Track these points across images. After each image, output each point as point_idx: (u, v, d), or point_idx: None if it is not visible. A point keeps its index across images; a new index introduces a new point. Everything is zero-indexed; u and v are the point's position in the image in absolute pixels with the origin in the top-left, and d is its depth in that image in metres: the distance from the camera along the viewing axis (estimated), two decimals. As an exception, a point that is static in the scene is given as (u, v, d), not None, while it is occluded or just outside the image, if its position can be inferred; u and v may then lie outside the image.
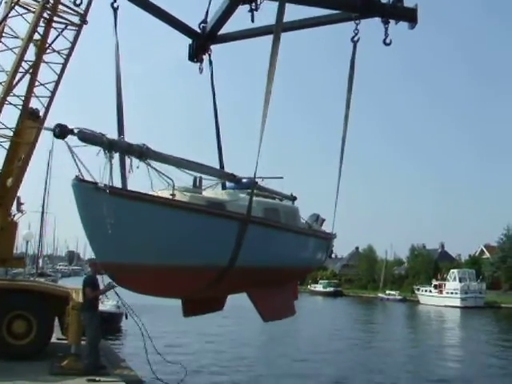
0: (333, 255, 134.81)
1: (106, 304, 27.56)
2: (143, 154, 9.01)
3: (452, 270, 79.56)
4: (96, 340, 12.57)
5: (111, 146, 8.46)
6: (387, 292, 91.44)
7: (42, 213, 70.89)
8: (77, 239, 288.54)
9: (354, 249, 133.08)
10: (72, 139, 8.11)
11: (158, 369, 20.29)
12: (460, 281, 74.63)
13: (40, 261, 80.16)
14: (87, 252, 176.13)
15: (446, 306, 70.35)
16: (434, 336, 39.52)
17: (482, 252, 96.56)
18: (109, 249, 8.35)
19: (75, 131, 8.12)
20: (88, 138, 8.26)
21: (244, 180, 11.22)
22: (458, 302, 71.52)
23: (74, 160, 8.13)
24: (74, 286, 21.20)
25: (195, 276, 9.06)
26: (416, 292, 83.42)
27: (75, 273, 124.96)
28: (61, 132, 8.02)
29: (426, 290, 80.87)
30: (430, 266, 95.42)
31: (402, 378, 21.10)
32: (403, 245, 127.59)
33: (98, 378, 11.28)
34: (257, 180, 10.54)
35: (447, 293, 75.38)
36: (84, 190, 8.16)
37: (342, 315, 56.68)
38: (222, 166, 12.25)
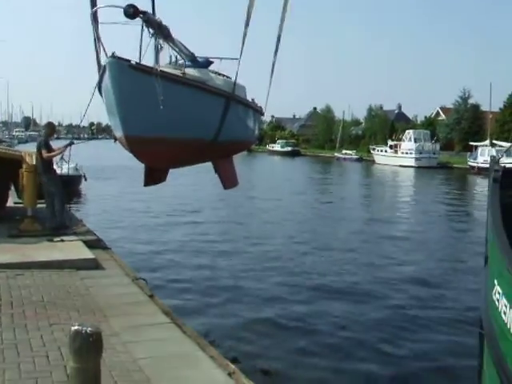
0: (291, 116, 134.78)
1: (64, 167, 27.09)
2: (169, 36, 9.95)
3: (407, 131, 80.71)
4: (64, 198, 12.76)
5: (159, 28, 9.47)
6: (344, 152, 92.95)
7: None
8: (32, 104, 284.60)
9: (311, 109, 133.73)
10: None
11: (117, 230, 20.72)
12: (415, 141, 76.00)
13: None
14: (43, 117, 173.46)
15: (400, 166, 72.22)
16: (389, 194, 40.94)
17: (437, 114, 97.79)
18: (140, 124, 9.00)
19: (145, 12, 9.04)
20: (150, 19, 9.23)
21: (200, 59, 11.54)
22: (412, 162, 73.47)
23: (99, 39, 9.07)
24: (27, 149, 20.78)
25: (192, 147, 10.10)
26: (372, 152, 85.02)
27: (32, 138, 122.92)
28: (134, 12, 8.72)
29: (381, 150, 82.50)
30: (387, 126, 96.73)
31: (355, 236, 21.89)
32: (361, 105, 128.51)
33: (56, 238, 11.27)
34: (212, 60, 11.64)
35: (402, 153, 77.07)
36: (127, 69, 8.59)
37: (299, 175, 57.73)
38: None
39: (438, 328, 11.20)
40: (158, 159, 10.18)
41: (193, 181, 37.29)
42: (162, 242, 19.22)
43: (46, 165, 12.43)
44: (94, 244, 11.55)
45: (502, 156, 7.46)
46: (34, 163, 13.48)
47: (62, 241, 11.20)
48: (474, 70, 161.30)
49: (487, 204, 6.67)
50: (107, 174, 45.38)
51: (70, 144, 12.98)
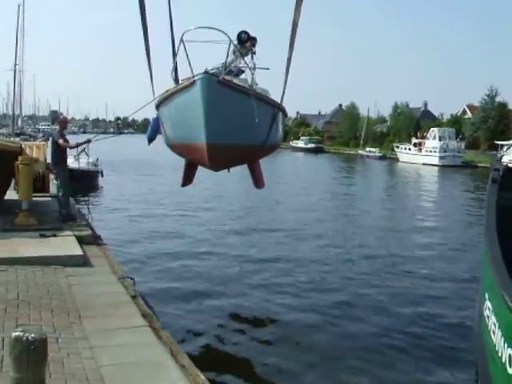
0: (316, 112, 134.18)
1: (83, 161, 26.96)
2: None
3: (432, 129, 79.15)
4: (68, 191, 12.95)
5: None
6: (367, 149, 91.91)
7: (15, 71, 68.98)
8: (59, 98, 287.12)
9: (337, 106, 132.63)
10: None
11: (126, 228, 20.31)
12: (439, 139, 74.58)
13: (19, 121, 79.25)
14: (70, 111, 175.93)
15: (424, 164, 71.08)
16: (412, 194, 40.02)
17: (464, 112, 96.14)
18: (222, 133, 9.72)
19: (255, 38, 11.05)
20: (255, 44, 11.21)
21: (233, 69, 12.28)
22: (436, 161, 72.14)
23: (187, 56, 9.64)
24: (31, 142, 20.54)
25: (250, 151, 11.24)
26: (395, 150, 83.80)
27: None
28: (247, 38, 10.69)
29: (405, 148, 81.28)
30: (412, 124, 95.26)
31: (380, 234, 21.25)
32: (387, 102, 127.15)
33: (48, 233, 10.94)
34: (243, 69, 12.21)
35: (426, 151, 75.76)
36: (219, 85, 9.38)
37: (322, 172, 56.96)
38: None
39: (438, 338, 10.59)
40: (224, 162, 11.17)
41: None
42: (170, 237, 18.76)
43: (59, 156, 12.68)
44: (89, 240, 11.21)
45: (505, 154, 6.83)
46: (35, 155, 13.28)
47: (55, 236, 10.87)
48: (502, 67, 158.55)
49: (484, 207, 6.05)
50: (126, 167, 45.28)
51: (88, 141, 13.35)
